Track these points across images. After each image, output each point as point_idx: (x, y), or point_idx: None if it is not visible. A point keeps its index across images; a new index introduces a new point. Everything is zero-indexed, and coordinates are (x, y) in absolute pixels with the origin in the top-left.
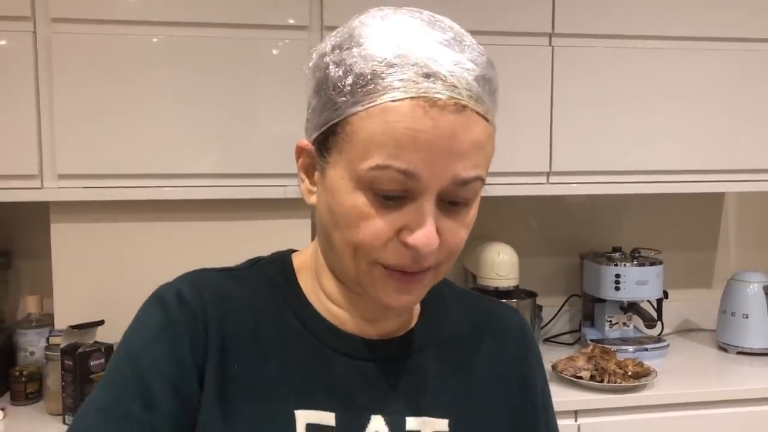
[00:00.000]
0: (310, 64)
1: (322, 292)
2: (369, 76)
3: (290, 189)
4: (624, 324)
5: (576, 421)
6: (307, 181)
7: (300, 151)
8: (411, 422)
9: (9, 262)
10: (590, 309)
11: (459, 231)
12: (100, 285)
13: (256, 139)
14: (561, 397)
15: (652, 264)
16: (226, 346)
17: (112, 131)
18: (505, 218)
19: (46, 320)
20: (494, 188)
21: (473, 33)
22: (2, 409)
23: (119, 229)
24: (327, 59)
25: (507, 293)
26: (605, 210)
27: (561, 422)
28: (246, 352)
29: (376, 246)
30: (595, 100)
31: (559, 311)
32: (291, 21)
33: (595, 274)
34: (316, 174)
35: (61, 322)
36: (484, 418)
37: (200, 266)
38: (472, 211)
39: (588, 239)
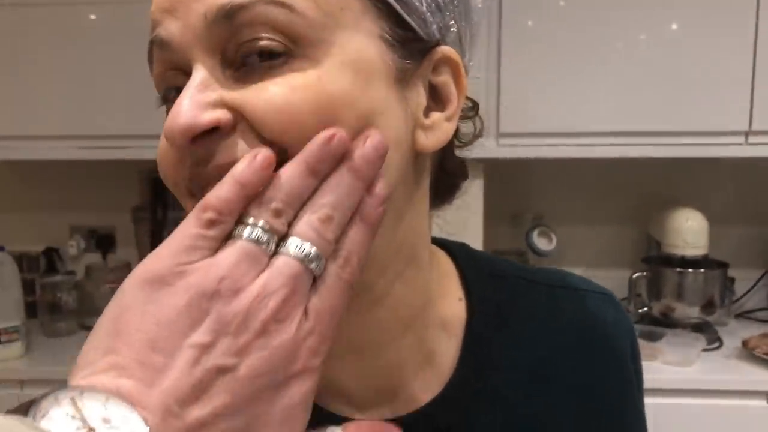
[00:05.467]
0: None
1: None
2: None
3: None
4: None
5: None
6: None
7: None
8: None
9: None
10: None
11: (265, 90)
12: None
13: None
14: (751, 376)
15: None
16: None
17: None
18: (696, 182)
19: None
20: (684, 149)
21: None
22: None
23: None
24: None
25: (694, 262)
26: None
27: (751, 402)
28: None
29: (168, 171)
30: None
31: (755, 285)
32: None
33: None
34: None
35: None
36: None
37: None
38: (306, 74)
39: None
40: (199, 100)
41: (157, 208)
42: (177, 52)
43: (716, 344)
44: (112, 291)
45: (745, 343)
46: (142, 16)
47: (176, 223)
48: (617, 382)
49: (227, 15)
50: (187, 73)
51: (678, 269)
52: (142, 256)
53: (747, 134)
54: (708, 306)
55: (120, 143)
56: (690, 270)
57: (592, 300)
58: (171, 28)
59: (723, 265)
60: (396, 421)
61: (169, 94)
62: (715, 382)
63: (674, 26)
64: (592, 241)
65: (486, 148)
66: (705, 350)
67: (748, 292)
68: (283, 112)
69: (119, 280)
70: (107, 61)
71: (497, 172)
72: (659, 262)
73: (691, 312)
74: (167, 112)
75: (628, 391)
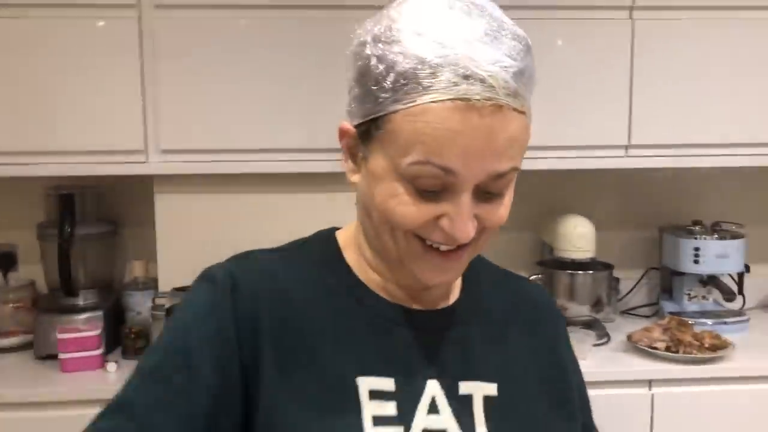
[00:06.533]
0: (350, 50)
1: (369, 268)
2: (410, 76)
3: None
4: (703, 297)
5: (650, 390)
6: (350, 162)
7: (343, 133)
8: (463, 386)
9: (115, 231)
10: (669, 282)
11: (497, 212)
12: (199, 251)
13: (340, 115)
14: (635, 366)
15: (734, 237)
16: (281, 325)
17: (210, 109)
18: (583, 191)
19: (150, 283)
20: (571, 161)
21: (555, 8)
22: (115, 362)
23: (217, 199)
24: (368, 51)
25: (583, 265)
26: (687, 183)
27: (634, 391)
28: (302, 329)
29: (412, 228)
30: (676, 72)
31: (636, 284)
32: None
33: (674, 247)
34: (359, 155)
35: (164, 285)
36: (524, 384)
37: (291, 237)
38: (509, 195)
39: (668, 212)
40: (470, 217)
41: (65, 224)
42: (455, 179)
43: (605, 339)
44: (15, 310)
45: (629, 337)
46: (36, 28)
47: (85, 239)
48: (554, 330)
49: (498, 176)
50: (443, 184)
51: (569, 271)
52: (48, 274)
53: (627, 147)
54: (597, 304)
55: (20, 159)
56: (580, 272)
57: (532, 284)
58: (459, 167)
59: (608, 267)
60: (420, 311)
61: (427, 184)
62: (605, 374)
63: (560, 42)
64: (492, 246)
65: None
66: (595, 345)
67: (631, 290)
68: (502, 220)
69: (22, 300)
70: (8, 73)
71: None
72: (552, 266)
73: (582, 310)
74: (411, 192)
75: (562, 338)
